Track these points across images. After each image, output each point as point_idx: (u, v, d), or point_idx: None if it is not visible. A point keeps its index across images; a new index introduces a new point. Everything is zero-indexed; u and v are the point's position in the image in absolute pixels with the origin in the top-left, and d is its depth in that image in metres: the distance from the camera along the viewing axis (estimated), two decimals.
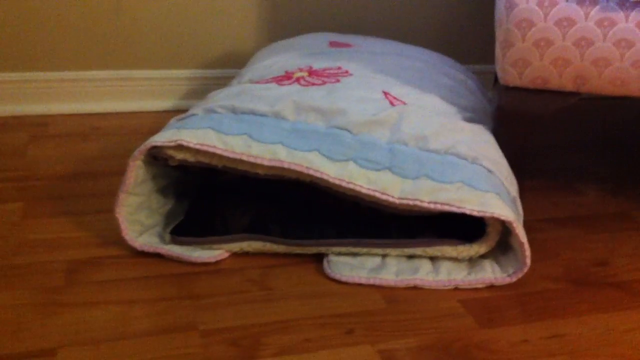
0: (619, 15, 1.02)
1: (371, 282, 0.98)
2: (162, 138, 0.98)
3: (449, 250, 1.00)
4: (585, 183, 1.39)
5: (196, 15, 1.66)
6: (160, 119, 1.63)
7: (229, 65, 1.72)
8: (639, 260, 1.09)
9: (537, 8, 1.03)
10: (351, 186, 0.97)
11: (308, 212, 1.08)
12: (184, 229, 1.05)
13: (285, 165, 0.97)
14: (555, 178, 1.41)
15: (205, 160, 1.00)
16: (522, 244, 0.95)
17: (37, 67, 1.60)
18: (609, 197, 1.32)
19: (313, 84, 1.14)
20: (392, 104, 1.09)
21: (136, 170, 1.00)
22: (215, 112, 1.05)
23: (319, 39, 1.46)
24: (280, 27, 1.72)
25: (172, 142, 0.98)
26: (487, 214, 0.94)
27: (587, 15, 1.03)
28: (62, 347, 0.83)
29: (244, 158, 0.98)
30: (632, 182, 1.40)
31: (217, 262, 1.02)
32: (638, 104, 1.97)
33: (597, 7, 1.03)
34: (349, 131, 1.02)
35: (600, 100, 2.00)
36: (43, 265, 1.00)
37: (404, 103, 1.11)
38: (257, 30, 1.71)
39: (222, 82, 1.71)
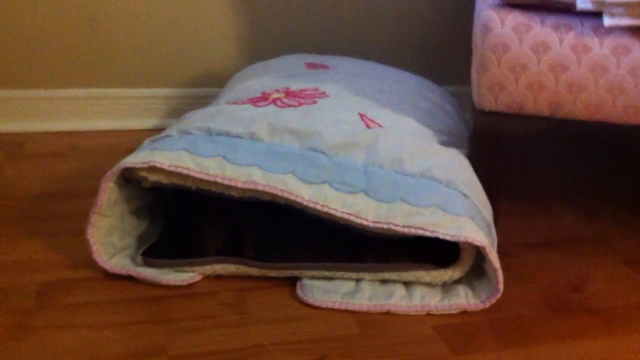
0: (594, 41, 1.03)
1: (344, 306, 0.97)
2: (134, 159, 0.97)
3: (423, 275, 0.99)
4: (562, 206, 1.39)
5: (174, 34, 1.66)
6: (138, 138, 1.62)
7: (207, 84, 1.72)
8: (614, 286, 1.09)
9: (512, 33, 1.04)
10: (325, 209, 0.96)
11: (282, 235, 1.08)
12: (157, 250, 1.03)
13: (260, 188, 0.97)
14: (531, 201, 1.41)
15: (179, 181, 1.00)
16: (495, 269, 0.94)
17: (14, 85, 1.59)
18: (585, 221, 1.32)
19: (289, 105, 1.14)
20: (367, 126, 1.09)
21: (108, 192, 0.99)
22: (189, 133, 1.05)
23: (296, 61, 1.46)
24: (259, 46, 1.72)
25: (145, 163, 0.97)
26: (461, 239, 0.93)
27: (561, 40, 1.03)
28: None
29: (219, 180, 0.97)
30: (608, 205, 1.41)
31: (190, 285, 1.01)
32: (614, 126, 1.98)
33: (572, 32, 1.03)
34: (324, 153, 1.02)
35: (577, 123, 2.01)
36: (13, 287, 0.98)
37: (380, 125, 1.11)
38: (236, 49, 1.71)
39: (201, 101, 1.70)
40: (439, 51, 1.86)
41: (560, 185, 1.51)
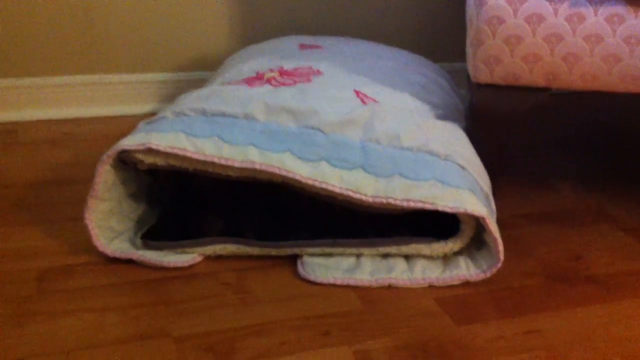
0: (588, 10, 1.03)
1: (346, 282, 0.97)
2: (131, 142, 0.97)
3: (423, 248, 1.00)
4: (560, 179, 1.39)
5: (167, 19, 1.65)
6: (132, 124, 1.61)
7: (201, 68, 1.71)
8: (613, 254, 1.10)
9: (506, 5, 1.03)
10: (324, 186, 0.96)
11: (282, 215, 1.08)
12: (156, 233, 1.03)
13: (257, 167, 0.96)
14: (529, 174, 1.41)
15: (175, 163, 0.99)
16: (495, 239, 0.94)
17: (6, 73, 1.58)
18: (584, 193, 1.33)
19: (284, 84, 1.13)
20: (363, 102, 1.09)
21: (105, 175, 0.98)
22: (185, 114, 1.04)
23: (289, 43, 1.45)
24: (253, 28, 1.71)
25: (141, 145, 0.96)
26: (460, 210, 0.93)
27: (556, 11, 1.03)
28: (30, 357, 0.81)
29: (215, 160, 0.97)
30: (606, 178, 1.41)
31: (191, 267, 1.01)
32: (609, 99, 1.99)
33: (567, 2, 1.03)
34: (321, 131, 1.02)
35: (573, 95, 2.01)
36: (13, 274, 0.98)
37: (376, 101, 1.10)
38: (229, 32, 1.70)
39: (195, 85, 1.69)
40: (432, 28, 1.85)
41: (558, 159, 1.51)
